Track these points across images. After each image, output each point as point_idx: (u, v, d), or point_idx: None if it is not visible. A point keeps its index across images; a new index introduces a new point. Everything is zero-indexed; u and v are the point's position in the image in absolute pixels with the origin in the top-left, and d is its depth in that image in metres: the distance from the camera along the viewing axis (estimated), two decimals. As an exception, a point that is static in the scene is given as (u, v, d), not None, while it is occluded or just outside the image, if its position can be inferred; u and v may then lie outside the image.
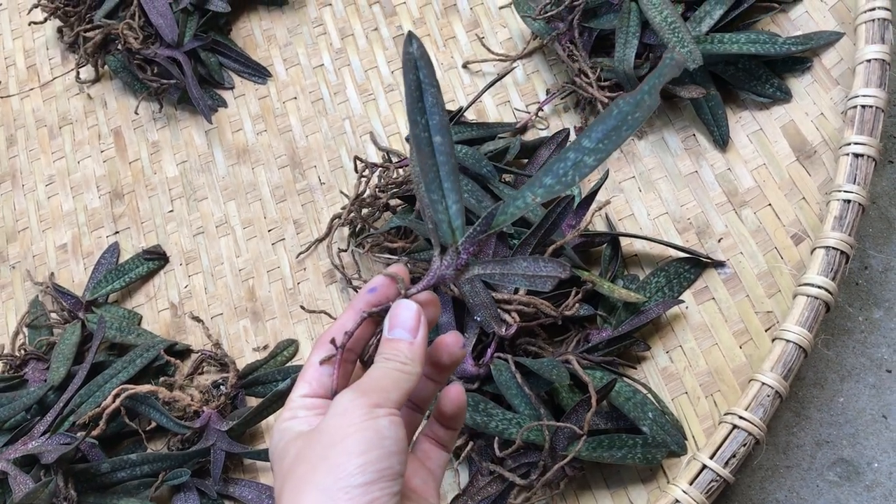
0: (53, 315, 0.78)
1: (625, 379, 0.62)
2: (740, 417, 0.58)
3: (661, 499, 0.58)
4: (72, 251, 0.84)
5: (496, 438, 0.60)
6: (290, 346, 0.74)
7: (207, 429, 0.68)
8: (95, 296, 0.77)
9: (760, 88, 0.71)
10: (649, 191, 0.73)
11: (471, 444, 0.62)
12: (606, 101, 0.71)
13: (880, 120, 0.65)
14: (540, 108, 0.77)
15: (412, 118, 0.36)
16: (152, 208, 0.84)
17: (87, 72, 0.91)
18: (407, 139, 0.79)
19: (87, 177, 0.87)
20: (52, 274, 0.82)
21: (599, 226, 0.72)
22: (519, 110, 0.79)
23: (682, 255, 0.68)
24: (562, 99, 0.78)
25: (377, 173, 0.74)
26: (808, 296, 0.61)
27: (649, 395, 0.62)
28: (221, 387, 0.72)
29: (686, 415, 0.64)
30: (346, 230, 0.77)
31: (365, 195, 0.73)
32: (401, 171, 0.73)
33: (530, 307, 0.62)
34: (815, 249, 0.63)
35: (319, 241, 0.77)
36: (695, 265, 0.68)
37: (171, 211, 0.83)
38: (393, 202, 0.73)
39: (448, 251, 0.38)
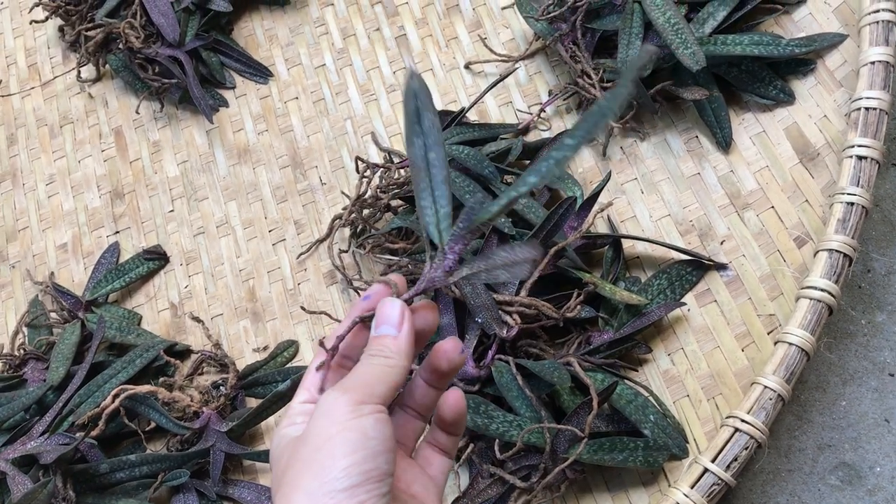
0: (53, 315, 0.78)
1: (626, 381, 0.62)
2: (742, 421, 0.58)
3: (662, 502, 0.58)
4: (72, 251, 0.83)
5: (497, 441, 0.59)
6: (291, 346, 0.74)
7: (207, 430, 0.67)
8: (95, 295, 0.77)
9: (763, 90, 0.71)
10: (651, 193, 0.72)
11: (471, 446, 0.62)
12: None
13: (884, 122, 0.65)
14: (542, 110, 0.77)
15: (410, 138, 0.38)
16: (153, 208, 0.83)
17: (88, 71, 0.91)
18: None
19: (88, 176, 0.86)
20: (52, 273, 0.82)
21: (601, 228, 0.71)
22: (521, 111, 0.79)
23: (684, 257, 0.68)
24: (564, 100, 0.77)
25: (378, 174, 0.74)
26: (810, 299, 0.61)
27: (651, 398, 0.61)
28: (221, 387, 0.72)
29: (687, 418, 0.64)
30: (347, 231, 0.76)
31: (366, 196, 0.73)
32: (402, 171, 0.73)
33: (531, 309, 0.62)
34: (817, 252, 0.62)
35: (320, 241, 0.77)
36: (697, 267, 0.68)
37: (172, 211, 0.83)
38: (394, 203, 0.73)
39: (437, 254, 0.38)
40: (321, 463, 0.34)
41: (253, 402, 0.72)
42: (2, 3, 0.97)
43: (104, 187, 0.86)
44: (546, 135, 0.76)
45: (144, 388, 0.66)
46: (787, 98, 0.70)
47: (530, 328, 0.63)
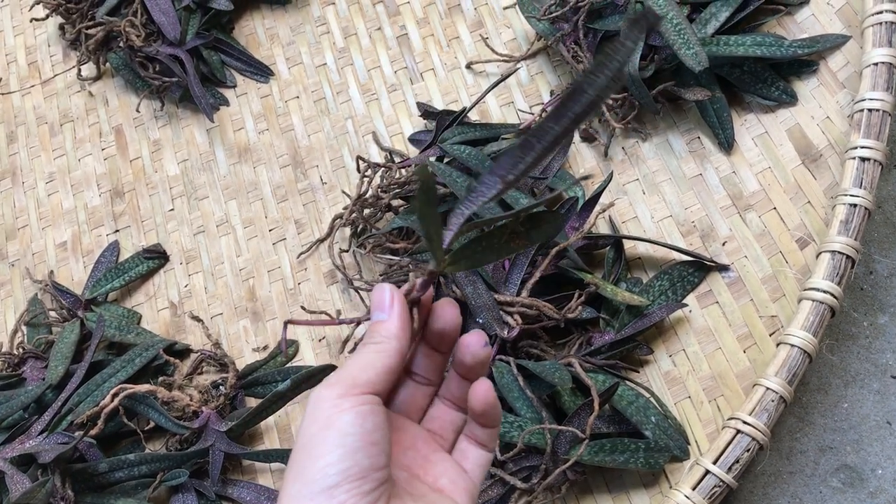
0: (52, 313, 0.78)
1: (627, 382, 0.62)
2: (744, 422, 0.58)
3: (663, 504, 0.58)
4: (71, 249, 0.83)
5: (497, 441, 0.59)
6: (291, 346, 0.74)
7: (206, 429, 0.67)
8: (95, 294, 0.77)
9: (766, 91, 0.70)
10: (653, 193, 0.72)
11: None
12: (611, 102, 0.71)
13: (887, 124, 0.64)
14: (544, 110, 0.77)
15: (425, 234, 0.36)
16: (153, 207, 0.83)
17: (88, 69, 0.91)
18: (410, 139, 0.78)
19: (88, 174, 0.86)
20: (52, 272, 0.82)
21: (603, 228, 0.71)
22: (522, 111, 0.78)
23: (685, 258, 0.68)
24: (566, 100, 0.77)
25: (379, 173, 0.73)
26: (813, 300, 0.61)
27: (652, 399, 0.61)
28: (221, 387, 0.71)
29: (689, 419, 0.64)
30: (347, 230, 0.76)
31: (367, 195, 0.73)
32: (403, 171, 0.73)
33: (533, 309, 0.61)
34: (820, 254, 0.62)
35: (321, 241, 0.77)
36: (699, 269, 0.68)
37: (172, 210, 0.83)
38: (395, 202, 0.73)
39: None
40: (302, 464, 0.34)
41: (252, 402, 0.71)
42: (2, 0, 0.97)
43: (104, 186, 0.85)
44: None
45: (144, 388, 0.65)
46: (790, 99, 0.70)
47: (531, 329, 0.63)
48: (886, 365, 0.72)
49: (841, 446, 0.70)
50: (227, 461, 0.68)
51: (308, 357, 0.74)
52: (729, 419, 0.59)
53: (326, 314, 0.73)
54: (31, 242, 0.84)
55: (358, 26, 0.86)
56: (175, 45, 0.83)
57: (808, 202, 0.68)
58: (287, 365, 0.73)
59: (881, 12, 0.67)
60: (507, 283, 0.64)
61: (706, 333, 0.66)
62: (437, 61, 0.83)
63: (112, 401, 0.64)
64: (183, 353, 0.75)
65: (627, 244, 0.69)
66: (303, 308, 0.74)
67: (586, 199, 0.68)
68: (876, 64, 0.66)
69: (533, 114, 0.77)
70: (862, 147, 0.64)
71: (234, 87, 0.87)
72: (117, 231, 0.83)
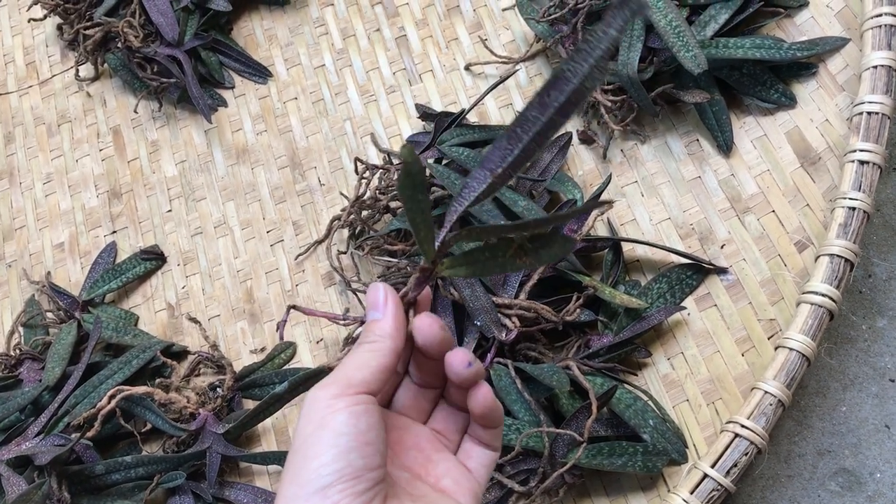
0: (49, 314, 0.78)
1: (625, 385, 0.62)
2: (742, 426, 0.58)
3: (661, 508, 0.57)
4: (69, 250, 0.83)
5: (495, 445, 0.59)
6: (288, 348, 0.73)
7: (203, 431, 0.67)
8: (92, 296, 0.77)
9: (765, 94, 0.70)
10: (652, 196, 0.72)
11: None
12: (609, 104, 0.71)
13: (886, 127, 0.64)
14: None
15: (404, 199, 0.35)
16: (150, 208, 0.83)
17: (86, 70, 0.90)
18: (408, 141, 0.78)
19: (86, 175, 0.86)
20: (49, 273, 0.82)
21: (601, 231, 0.71)
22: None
23: (684, 261, 0.67)
24: (564, 102, 0.77)
25: (378, 175, 0.73)
26: (811, 304, 0.60)
27: (650, 403, 0.61)
28: (218, 389, 0.71)
29: (687, 422, 0.64)
30: (345, 232, 0.76)
31: (365, 197, 0.72)
32: (401, 173, 0.73)
33: (531, 312, 0.61)
34: (818, 257, 0.62)
35: (318, 242, 0.77)
36: (697, 271, 0.67)
37: (170, 211, 0.82)
38: (393, 204, 0.73)
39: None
40: (297, 465, 0.34)
41: (250, 404, 0.71)
42: (0, 1, 0.97)
43: (102, 187, 0.85)
44: (546, 137, 0.76)
45: (141, 390, 0.65)
46: (789, 102, 0.70)
47: (529, 331, 0.63)
48: (885, 368, 0.71)
49: (839, 450, 0.70)
50: (224, 463, 0.67)
51: (306, 359, 0.73)
52: (727, 423, 0.59)
53: (324, 316, 0.73)
54: (28, 243, 0.84)
55: (356, 27, 0.86)
56: (173, 45, 0.83)
57: (807, 205, 0.68)
58: (284, 367, 0.73)
59: (880, 15, 0.67)
60: (505, 285, 0.63)
61: (704, 336, 0.66)
62: (436, 63, 0.83)
63: (109, 403, 0.64)
64: (180, 354, 0.75)
65: (626, 247, 0.69)
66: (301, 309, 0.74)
67: (585, 201, 0.68)
68: (875, 67, 0.65)
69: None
70: (861, 150, 0.64)
71: (233, 88, 0.87)
72: (115, 232, 0.83)
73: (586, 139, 0.75)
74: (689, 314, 0.67)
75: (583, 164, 0.75)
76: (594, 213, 0.67)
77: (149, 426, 0.69)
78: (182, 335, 0.77)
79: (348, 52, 0.85)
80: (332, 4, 0.88)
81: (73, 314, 0.76)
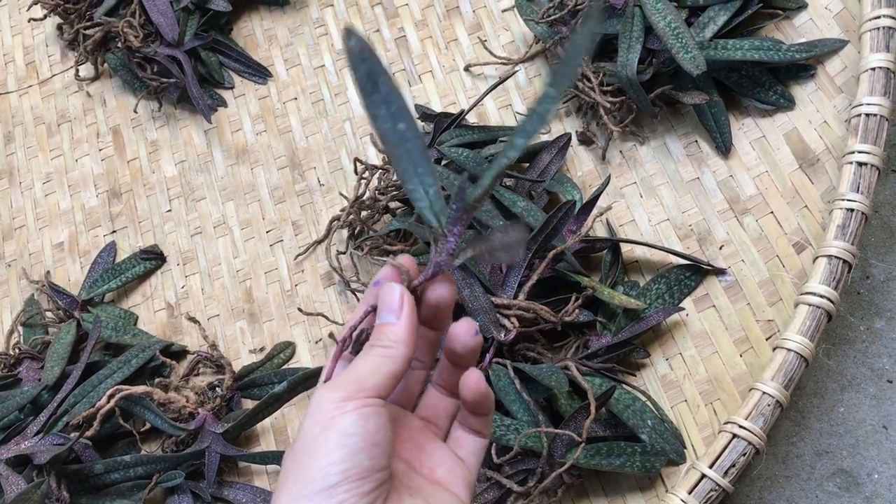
0: (49, 314, 0.78)
1: (624, 386, 0.62)
2: (740, 426, 0.58)
3: (659, 508, 0.58)
4: (68, 250, 0.83)
5: (494, 444, 0.59)
6: (287, 348, 0.73)
7: (202, 431, 0.67)
8: (91, 295, 0.77)
9: (764, 95, 0.70)
10: (650, 197, 0.72)
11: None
12: (609, 105, 0.71)
13: (884, 128, 0.64)
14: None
15: (372, 112, 0.35)
16: (150, 208, 0.83)
17: (86, 69, 0.91)
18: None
19: (85, 175, 0.86)
20: (48, 272, 0.82)
21: (600, 231, 0.71)
22: (521, 114, 0.78)
23: (682, 261, 0.68)
24: (563, 103, 0.77)
25: (377, 175, 0.73)
26: (809, 305, 0.61)
27: (648, 403, 0.61)
28: (217, 389, 0.71)
29: (685, 423, 0.64)
30: (344, 232, 0.76)
31: (364, 197, 0.72)
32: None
33: (530, 312, 0.61)
34: (817, 258, 0.62)
35: (318, 242, 0.77)
36: (695, 272, 0.68)
37: (169, 211, 0.82)
38: (392, 205, 0.73)
39: (438, 238, 0.37)
40: (302, 464, 0.33)
41: (249, 404, 0.71)
42: (0, 0, 0.97)
43: (101, 186, 0.85)
44: (545, 138, 0.76)
45: (140, 389, 0.65)
46: (787, 103, 0.70)
47: (528, 332, 0.63)
48: (883, 369, 0.72)
49: (837, 451, 0.70)
50: (223, 463, 0.68)
51: (305, 359, 0.73)
52: (725, 423, 0.59)
53: (323, 316, 0.73)
54: (27, 243, 0.84)
55: (356, 28, 0.86)
56: (173, 45, 0.83)
57: (806, 206, 0.68)
58: (283, 367, 0.73)
59: (879, 17, 0.67)
60: (504, 285, 0.64)
61: (703, 337, 0.66)
62: (436, 63, 0.83)
63: (108, 402, 0.64)
64: (179, 354, 0.75)
65: (625, 247, 0.69)
66: (300, 310, 0.74)
67: (584, 202, 0.68)
68: (873, 69, 0.66)
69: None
70: (859, 152, 0.64)
71: (232, 88, 0.87)
72: (114, 232, 0.83)
73: (585, 140, 0.75)
74: (687, 315, 0.67)
75: (582, 165, 0.75)
76: (593, 213, 0.68)
77: (148, 425, 0.69)
78: (181, 335, 0.77)
79: (348, 53, 0.85)
80: (332, 5, 0.88)
81: (72, 313, 0.76)
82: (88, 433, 0.63)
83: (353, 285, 0.73)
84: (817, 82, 0.71)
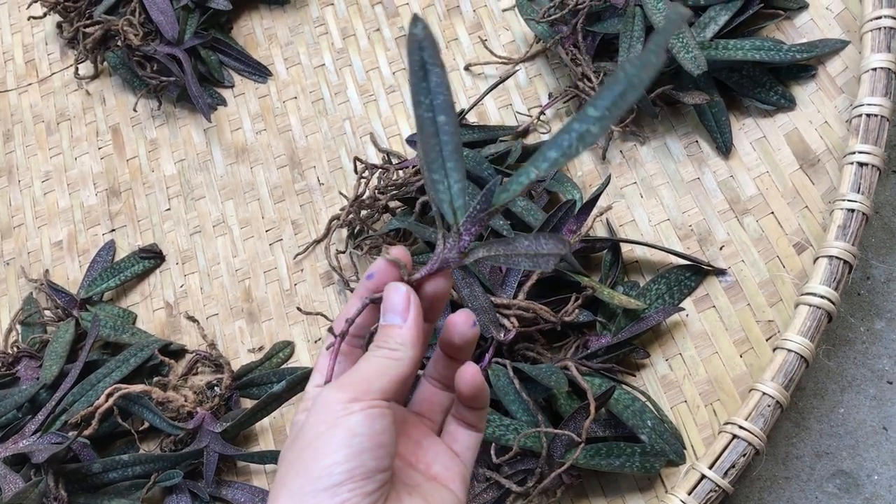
0: (47, 312, 0.78)
1: (624, 386, 0.62)
2: (740, 427, 0.58)
3: (658, 508, 0.57)
4: (67, 248, 0.83)
5: (493, 444, 0.59)
6: (286, 347, 0.73)
7: (201, 430, 0.67)
8: (90, 294, 0.76)
9: (764, 95, 0.70)
10: (651, 197, 0.72)
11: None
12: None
13: (885, 129, 0.64)
14: (542, 112, 0.77)
15: (416, 99, 0.35)
16: (149, 206, 0.83)
17: (85, 68, 0.90)
18: (408, 140, 0.78)
19: (84, 174, 0.86)
20: (47, 271, 0.82)
21: (600, 231, 0.71)
22: (521, 114, 0.78)
23: (683, 262, 0.67)
24: (564, 103, 0.77)
25: (377, 175, 0.73)
26: (810, 305, 0.60)
27: (648, 403, 0.61)
28: (216, 388, 0.71)
29: (685, 423, 0.64)
30: (344, 232, 0.76)
31: (364, 196, 0.72)
32: (400, 172, 0.73)
33: (529, 312, 0.61)
34: (817, 259, 0.62)
35: (317, 242, 0.77)
36: (696, 272, 0.67)
37: (168, 209, 0.82)
38: (392, 204, 0.73)
39: (451, 233, 0.37)
40: (306, 462, 0.33)
41: (248, 403, 0.71)
42: (0, -2, 0.97)
43: (100, 185, 0.85)
44: (546, 137, 0.76)
45: (138, 388, 0.65)
46: (788, 103, 0.70)
47: (528, 331, 0.63)
48: (883, 370, 0.71)
49: (837, 452, 0.70)
50: (221, 462, 0.67)
51: (304, 358, 0.73)
52: (725, 424, 0.59)
53: (322, 315, 0.73)
54: (26, 241, 0.84)
55: (356, 27, 0.86)
56: (173, 44, 0.82)
57: (806, 207, 0.68)
58: (282, 366, 0.73)
59: (880, 17, 0.67)
60: (504, 285, 0.63)
61: (703, 337, 0.66)
62: (436, 63, 0.83)
63: (106, 401, 0.63)
64: (178, 353, 0.75)
65: (625, 247, 0.69)
66: (299, 309, 0.74)
67: (584, 202, 0.68)
68: (874, 69, 0.66)
69: (531, 116, 0.77)
70: (860, 152, 0.64)
71: (232, 87, 0.87)
72: (113, 230, 0.83)
73: (586, 140, 0.75)
74: (687, 315, 0.67)
75: (582, 165, 0.75)
76: (593, 213, 0.67)
77: (146, 424, 0.69)
78: (180, 334, 0.76)
79: (348, 52, 0.85)
80: (333, 4, 0.88)
81: (71, 312, 0.76)
82: (87, 432, 0.63)
83: (353, 285, 0.73)
84: (818, 83, 0.71)
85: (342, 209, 0.74)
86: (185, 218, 0.82)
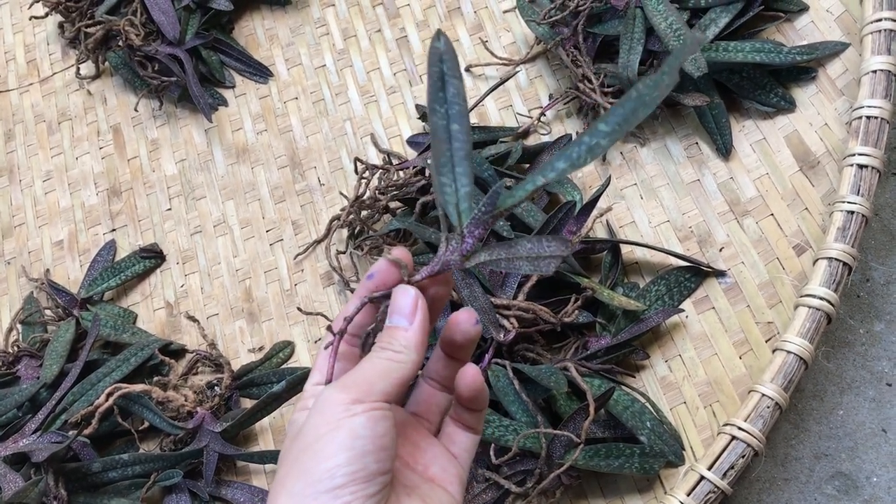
0: (48, 312, 0.78)
1: (623, 387, 0.62)
2: (739, 428, 0.58)
3: (657, 509, 0.58)
4: (68, 248, 0.83)
5: (492, 445, 0.59)
6: (286, 347, 0.73)
7: (201, 430, 0.67)
8: (91, 293, 0.77)
9: (764, 97, 0.70)
10: (651, 198, 0.72)
11: (466, 450, 0.61)
12: (609, 106, 0.71)
13: (885, 131, 0.64)
14: (542, 113, 0.77)
15: (431, 107, 0.36)
16: (150, 206, 0.83)
17: (87, 68, 0.91)
18: (408, 141, 0.78)
19: (85, 173, 0.86)
20: (48, 270, 0.82)
21: (600, 233, 0.71)
22: (521, 115, 0.78)
23: (682, 263, 0.68)
24: (564, 104, 0.77)
25: (377, 175, 0.73)
26: (809, 307, 0.60)
27: (647, 405, 0.61)
28: (216, 388, 0.71)
29: (684, 425, 0.64)
30: (344, 232, 0.76)
31: (364, 197, 0.72)
32: (401, 173, 0.73)
33: (529, 313, 0.61)
34: (817, 260, 0.62)
35: (318, 242, 0.77)
36: (695, 274, 0.68)
37: (169, 209, 0.82)
38: (393, 205, 0.73)
39: (454, 235, 0.37)
40: (307, 463, 0.33)
41: (248, 403, 0.71)
42: (2, -2, 0.97)
43: (101, 185, 0.85)
44: (546, 139, 0.76)
45: (138, 387, 0.65)
46: (788, 106, 0.70)
47: (528, 332, 0.63)
48: (882, 372, 0.72)
49: (836, 453, 0.70)
50: (221, 462, 0.67)
51: (304, 358, 0.73)
52: (724, 425, 0.59)
53: (322, 315, 0.73)
54: (27, 240, 0.84)
55: (357, 28, 0.86)
56: (174, 44, 0.83)
57: (806, 209, 0.68)
58: (282, 366, 0.73)
59: (880, 20, 0.67)
60: (504, 286, 0.64)
61: (702, 339, 0.66)
62: (437, 64, 0.83)
63: (106, 400, 0.64)
64: (178, 353, 0.75)
65: (624, 249, 0.69)
66: (299, 309, 0.74)
67: (584, 203, 0.68)
68: (874, 71, 0.66)
69: (531, 117, 0.77)
70: (860, 154, 0.64)
71: (233, 87, 0.87)
72: (114, 230, 0.83)
73: (586, 141, 0.75)
74: (687, 317, 0.67)
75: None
76: (593, 214, 0.67)
77: (146, 424, 0.69)
78: (180, 333, 0.77)
79: (349, 53, 0.86)
80: (334, 5, 0.88)
81: (71, 312, 0.76)
82: (87, 431, 0.63)
83: (353, 285, 0.73)
84: (818, 85, 0.71)
85: (343, 209, 0.74)
86: (185, 218, 0.82)
